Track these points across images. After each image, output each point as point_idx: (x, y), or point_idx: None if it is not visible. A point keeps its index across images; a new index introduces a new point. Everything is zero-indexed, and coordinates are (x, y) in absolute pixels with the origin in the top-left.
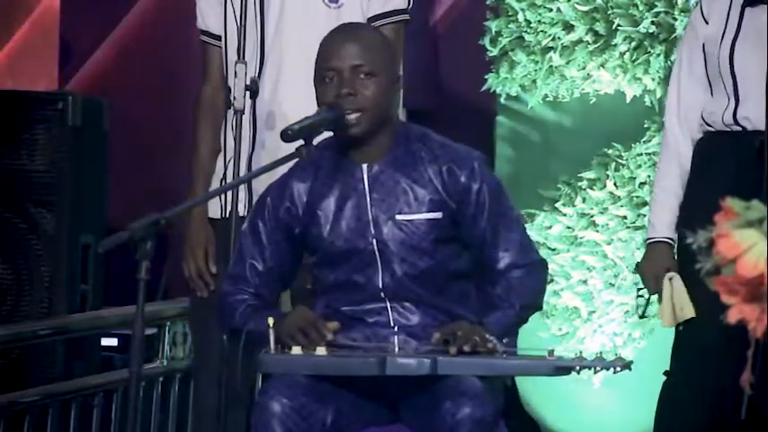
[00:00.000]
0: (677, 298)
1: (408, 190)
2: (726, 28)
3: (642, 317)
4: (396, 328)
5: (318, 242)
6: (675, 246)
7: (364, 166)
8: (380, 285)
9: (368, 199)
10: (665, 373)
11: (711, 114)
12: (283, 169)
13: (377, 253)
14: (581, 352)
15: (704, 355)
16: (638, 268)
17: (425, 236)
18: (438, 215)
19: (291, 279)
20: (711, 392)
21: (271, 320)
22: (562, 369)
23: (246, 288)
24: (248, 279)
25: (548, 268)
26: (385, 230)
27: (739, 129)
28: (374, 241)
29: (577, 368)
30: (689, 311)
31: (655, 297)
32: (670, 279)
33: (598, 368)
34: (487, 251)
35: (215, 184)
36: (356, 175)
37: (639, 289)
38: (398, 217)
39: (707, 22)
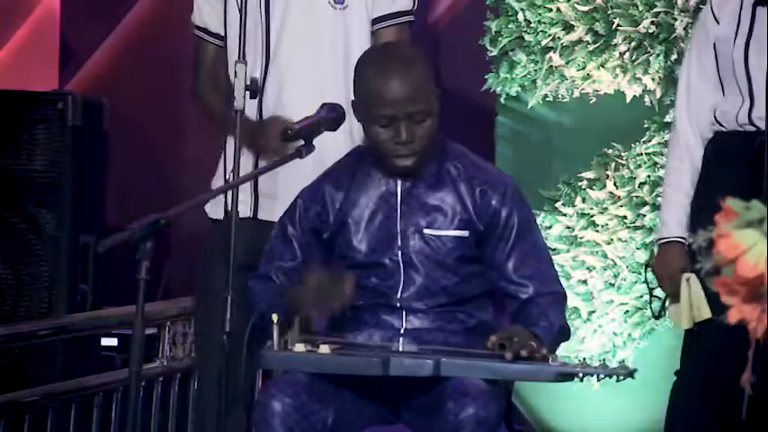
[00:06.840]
0: (694, 299)
1: (439, 206)
2: (738, 28)
3: (657, 317)
4: (402, 331)
5: (346, 250)
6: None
7: (399, 181)
8: (399, 296)
9: (398, 212)
10: (676, 372)
11: (725, 114)
12: (285, 169)
13: (401, 265)
14: (584, 359)
15: (714, 355)
16: (651, 269)
17: (450, 252)
18: (465, 233)
19: None
20: (721, 392)
21: (275, 317)
22: (565, 375)
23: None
24: (274, 279)
25: (567, 300)
26: (411, 243)
27: (753, 129)
28: (399, 254)
29: (580, 375)
30: (705, 312)
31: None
32: (687, 280)
33: (601, 375)
34: (512, 278)
35: (215, 184)
36: (390, 189)
37: (652, 289)
38: (426, 231)
39: (718, 22)
